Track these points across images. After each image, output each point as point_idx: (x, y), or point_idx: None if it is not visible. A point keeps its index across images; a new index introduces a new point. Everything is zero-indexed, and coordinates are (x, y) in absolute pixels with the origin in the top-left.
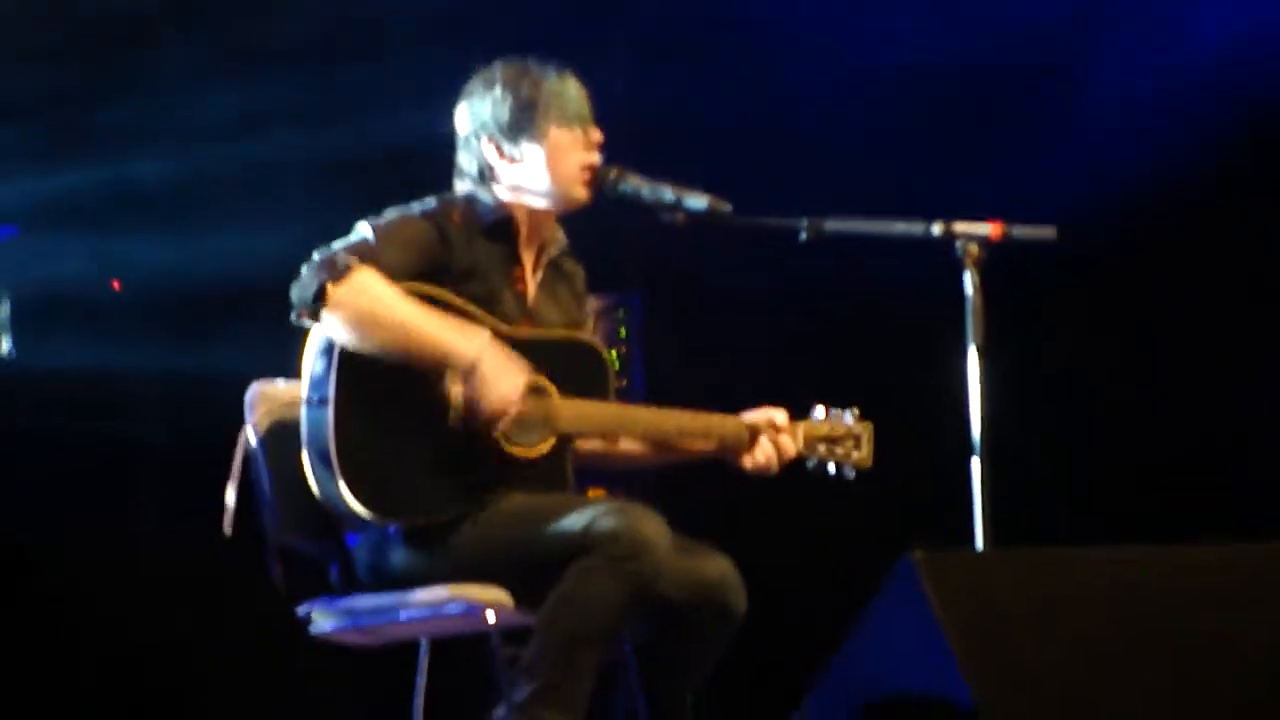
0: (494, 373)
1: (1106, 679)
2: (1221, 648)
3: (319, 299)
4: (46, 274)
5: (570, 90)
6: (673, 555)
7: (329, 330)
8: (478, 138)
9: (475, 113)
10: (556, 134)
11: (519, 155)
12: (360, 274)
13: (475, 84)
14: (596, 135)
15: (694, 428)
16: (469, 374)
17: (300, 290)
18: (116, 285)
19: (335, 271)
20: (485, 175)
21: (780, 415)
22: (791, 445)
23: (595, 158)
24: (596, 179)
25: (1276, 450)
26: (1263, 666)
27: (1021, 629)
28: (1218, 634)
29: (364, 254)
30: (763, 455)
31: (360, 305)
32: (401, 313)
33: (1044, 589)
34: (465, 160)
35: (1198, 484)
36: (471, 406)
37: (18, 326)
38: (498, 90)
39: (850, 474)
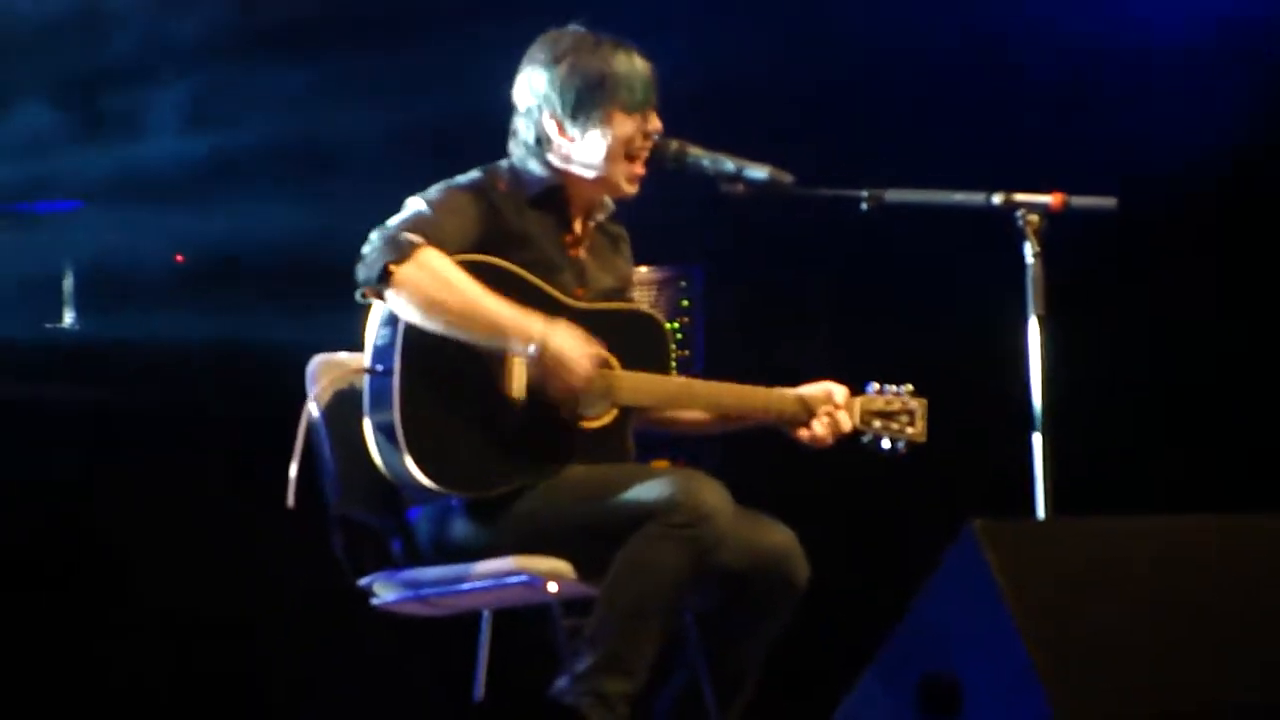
0: (562, 354)
1: (1167, 648)
2: None
3: (384, 279)
4: (110, 247)
5: (637, 72)
6: (735, 524)
7: (394, 308)
8: (540, 109)
9: (539, 84)
10: (620, 120)
11: (579, 135)
12: (423, 252)
13: (541, 52)
14: (656, 124)
15: (752, 402)
16: (537, 355)
17: (365, 270)
18: (180, 259)
19: (399, 251)
20: (542, 145)
21: (839, 391)
22: (848, 420)
23: (648, 149)
24: (655, 152)
25: None
26: None
27: (1082, 597)
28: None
29: (424, 230)
30: (821, 429)
31: (425, 285)
32: (468, 293)
33: (1105, 557)
34: (524, 128)
35: (1260, 454)
36: (539, 385)
37: (81, 299)
38: (566, 65)
39: (904, 448)
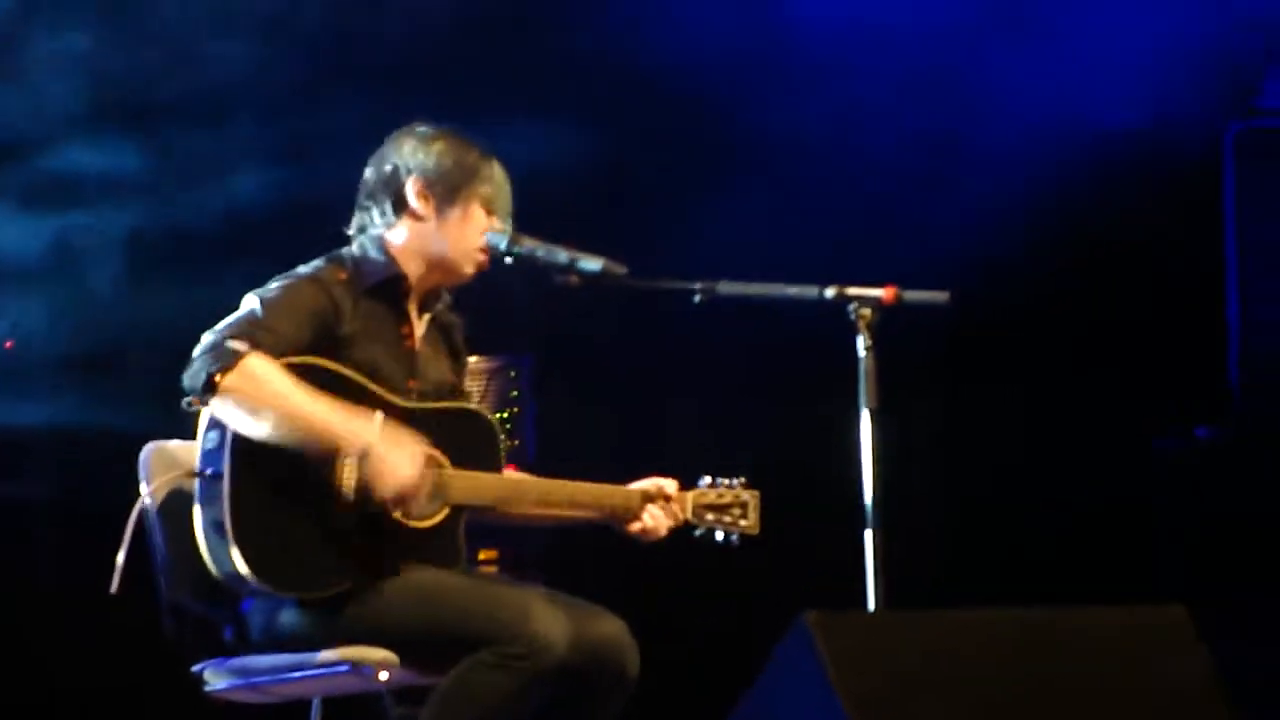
0: (389, 458)
1: None
2: (1114, 707)
3: (209, 389)
4: None
5: (505, 183)
6: (565, 616)
7: (221, 417)
8: (408, 172)
9: (410, 153)
10: (478, 213)
11: (438, 210)
12: (248, 361)
13: (415, 131)
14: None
15: (585, 498)
16: (363, 458)
17: (191, 379)
18: (9, 345)
19: (223, 360)
20: (398, 210)
21: (670, 484)
22: (680, 513)
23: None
24: (490, 257)
25: (1168, 509)
26: None
27: (914, 689)
28: (1111, 693)
29: (252, 334)
30: (652, 522)
31: (250, 394)
32: (291, 400)
33: (937, 649)
34: (382, 195)
35: (1088, 546)
36: (367, 489)
37: None
38: (442, 145)
39: (736, 541)
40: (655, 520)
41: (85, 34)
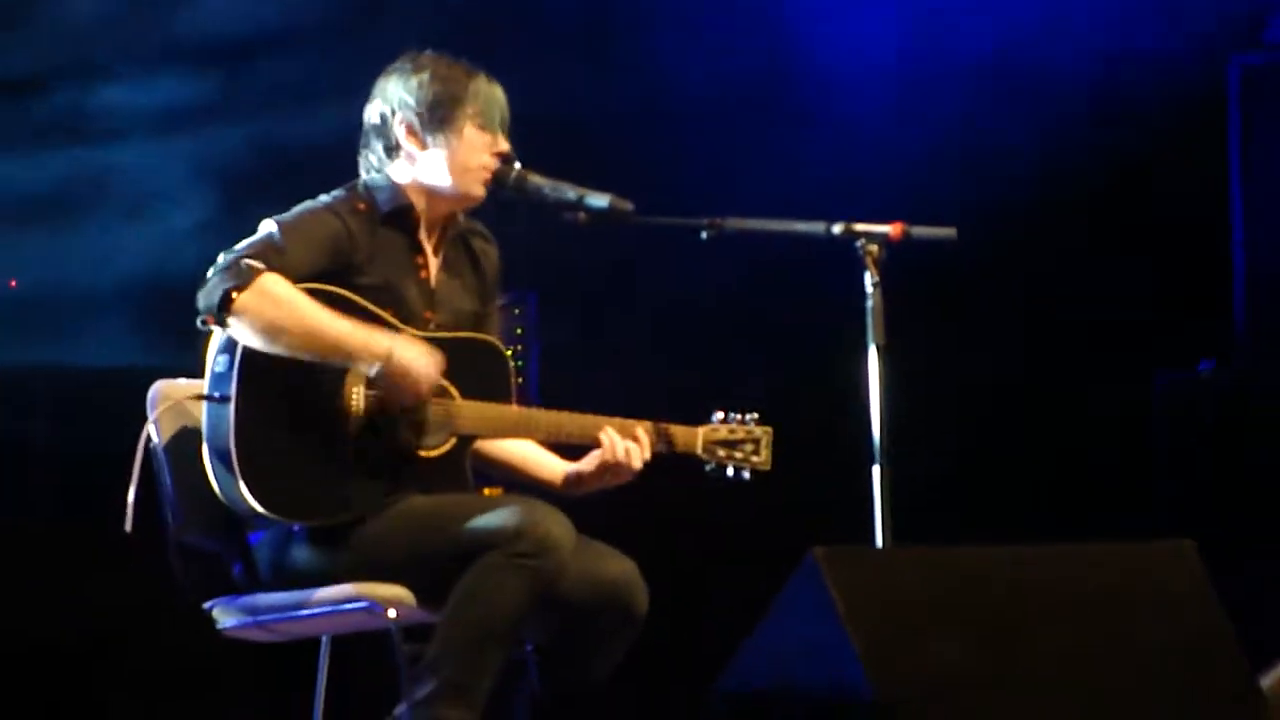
0: (406, 364)
1: (1005, 674)
2: (1116, 644)
3: (224, 306)
4: None
5: (495, 95)
6: (575, 555)
7: (236, 335)
8: (393, 114)
9: (395, 92)
10: (471, 132)
11: (429, 143)
12: (264, 279)
13: (399, 66)
14: (505, 146)
15: (594, 429)
16: (381, 370)
17: (206, 297)
18: (12, 284)
19: (240, 277)
20: (392, 154)
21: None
22: (646, 450)
23: (496, 164)
24: (496, 178)
25: (1173, 448)
26: (1154, 663)
27: (922, 623)
28: (1112, 631)
29: (268, 256)
30: (607, 441)
31: (266, 311)
32: (308, 317)
33: (943, 585)
34: (375, 138)
35: (1092, 484)
36: (381, 407)
37: None
38: (425, 75)
39: (746, 476)
40: (610, 440)
41: None
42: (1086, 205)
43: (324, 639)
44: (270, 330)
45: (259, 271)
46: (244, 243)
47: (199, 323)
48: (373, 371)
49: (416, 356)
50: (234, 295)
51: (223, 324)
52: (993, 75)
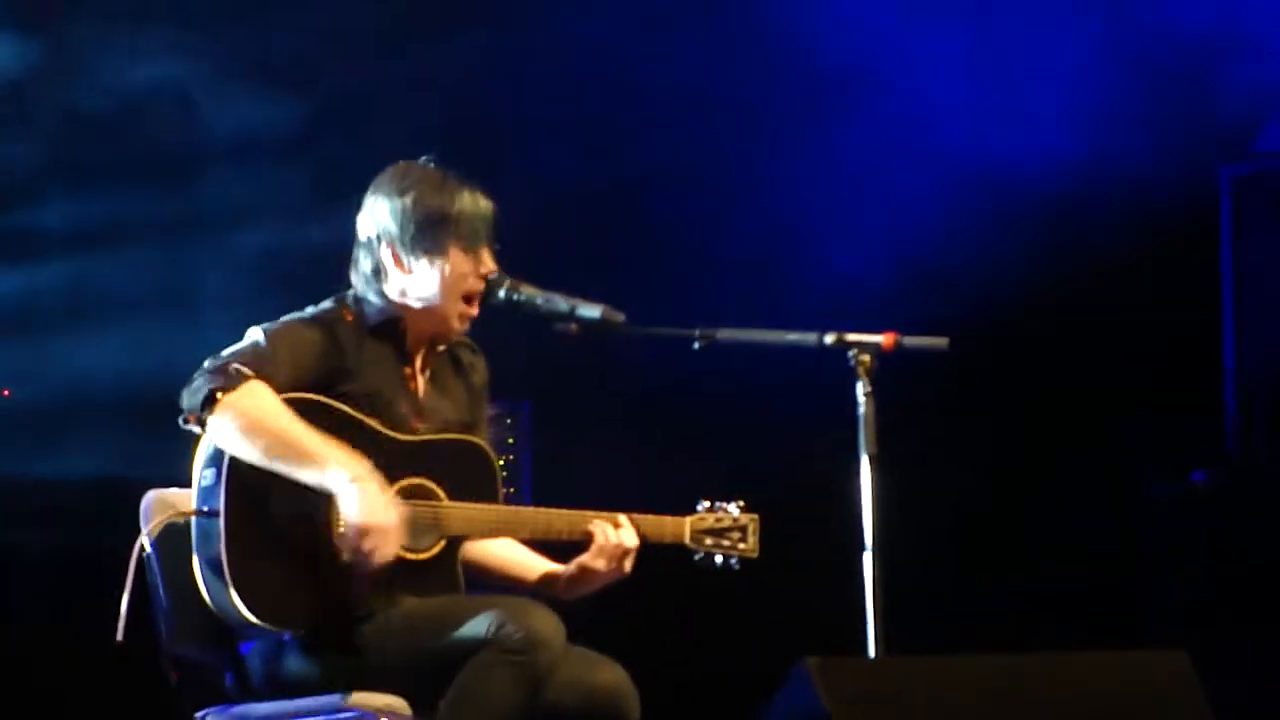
0: (361, 498)
1: None
2: None
3: (208, 405)
4: None
5: (479, 211)
6: (566, 662)
7: (215, 435)
8: (380, 240)
9: (381, 215)
10: (456, 257)
11: (414, 268)
12: (251, 384)
13: (385, 183)
14: (490, 265)
15: (582, 525)
16: (346, 495)
17: (190, 396)
18: (6, 393)
19: (227, 380)
20: (379, 276)
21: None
22: (629, 540)
23: (481, 286)
24: (489, 288)
25: (1165, 556)
26: None
27: None
28: None
29: (256, 363)
30: (600, 534)
31: (247, 413)
32: (286, 425)
33: (937, 694)
34: (363, 257)
35: (1084, 590)
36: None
37: None
38: (409, 198)
39: (735, 565)
40: (601, 528)
41: None
42: (1079, 312)
43: None
44: (249, 432)
45: (247, 377)
46: (231, 349)
47: (180, 421)
48: (342, 493)
49: (371, 501)
50: (219, 396)
51: (203, 424)
52: (977, 189)
